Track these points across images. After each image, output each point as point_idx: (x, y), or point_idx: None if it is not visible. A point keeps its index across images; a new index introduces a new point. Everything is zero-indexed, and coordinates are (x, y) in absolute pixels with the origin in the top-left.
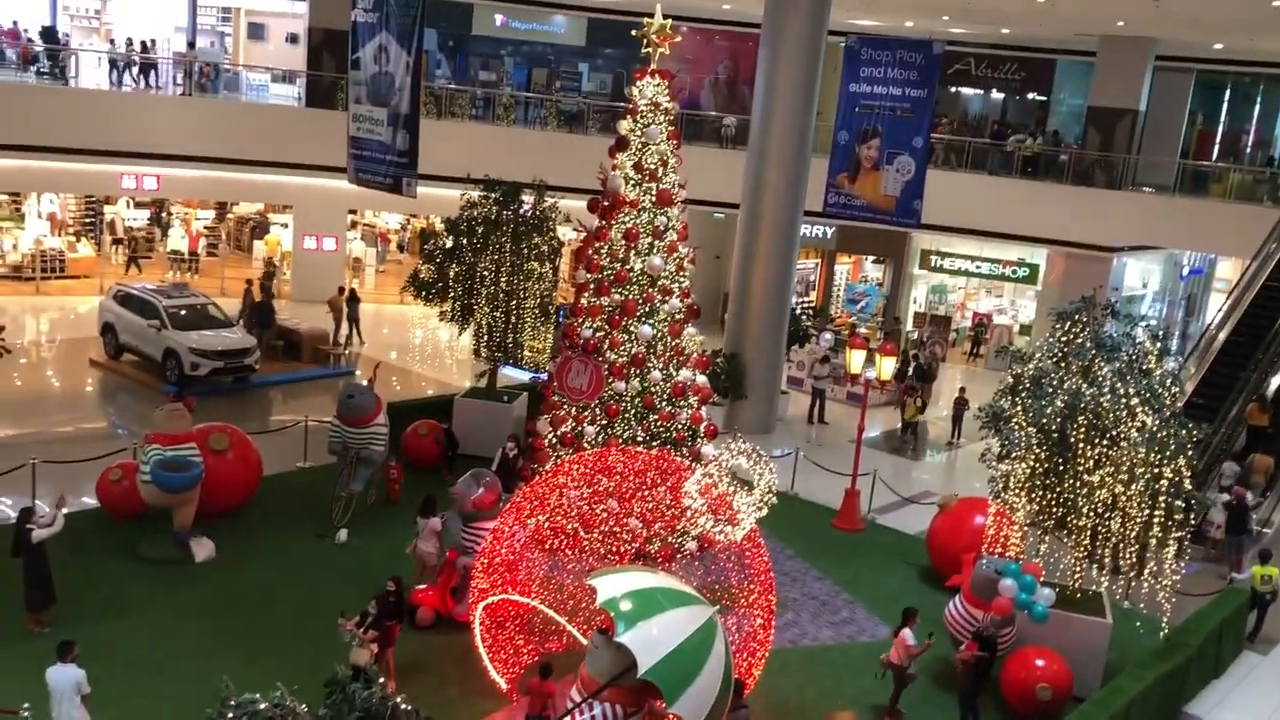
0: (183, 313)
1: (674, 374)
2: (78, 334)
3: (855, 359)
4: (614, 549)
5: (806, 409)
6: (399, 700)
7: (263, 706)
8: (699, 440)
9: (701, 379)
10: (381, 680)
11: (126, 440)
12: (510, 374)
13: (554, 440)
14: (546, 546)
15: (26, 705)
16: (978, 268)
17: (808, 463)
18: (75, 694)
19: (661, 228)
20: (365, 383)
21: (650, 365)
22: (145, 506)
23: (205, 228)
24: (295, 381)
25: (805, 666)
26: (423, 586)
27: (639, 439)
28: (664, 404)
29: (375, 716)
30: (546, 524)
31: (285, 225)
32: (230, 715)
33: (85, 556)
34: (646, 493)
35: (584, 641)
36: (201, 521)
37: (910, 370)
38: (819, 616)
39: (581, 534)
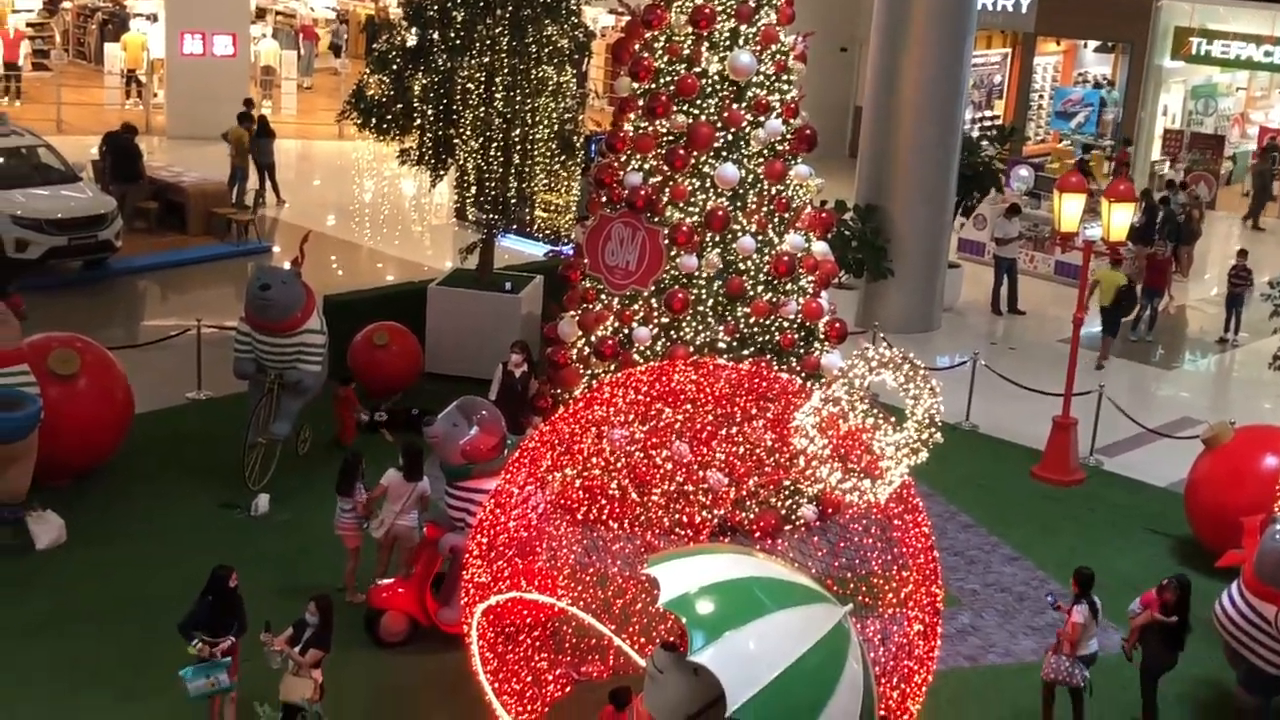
0: (0, 161)
1: (775, 241)
2: None
3: (1067, 209)
4: (684, 518)
5: (989, 292)
6: None
7: None
8: (817, 346)
9: (820, 248)
10: None
11: None
12: (514, 247)
13: (586, 351)
14: (579, 516)
15: None
16: (1268, 55)
17: (991, 377)
18: None
19: (752, 3)
20: (288, 266)
21: (737, 228)
22: None
23: (29, 25)
24: (179, 265)
25: (993, 695)
26: (387, 581)
27: (721, 345)
28: (760, 289)
29: None
30: (578, 482)
31: (152, 18)
32: None
33: None
34: (735, 431)
35: (641, 663)
36: (42, 488)
37: (1158, 225)
38: (1013, 618)
39: (633, 496)
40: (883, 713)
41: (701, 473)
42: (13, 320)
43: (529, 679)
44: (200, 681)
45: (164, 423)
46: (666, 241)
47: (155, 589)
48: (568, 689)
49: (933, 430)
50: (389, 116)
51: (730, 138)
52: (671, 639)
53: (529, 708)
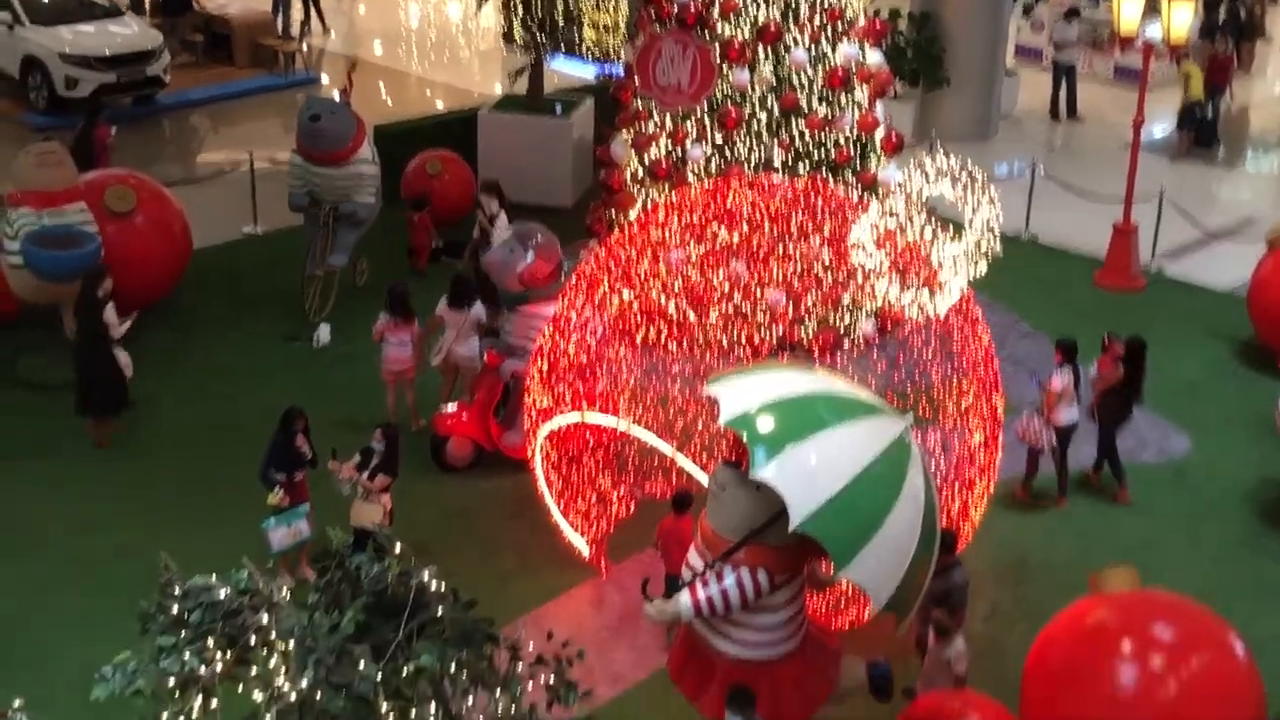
0: None
1: (829, 53)
2: None
3: (1126, 10)
4: (743, 338)
5: (1047, 98)
6: (426, 576)
7: (224, 594)
8: (874, 159)
9: (875, 58)
10: (400, 548)
11: None
12: (563, 70)
13: (639, 172)
14: (637, 340)
15: (18, 702)
16: None
17: (1051, 185)
18: None
19: None
20: (337, 96)
21: (790, 40)
22: (18, 304)
23: None
24: (227, 99)
25: (1053, 500)
26: (452, 408)
27: (776, 162)
28: (814, 103)
29: (392, 602)
30: (635, 305)
31: None
32: (175, 608)
33: None
34: (792, 247)
35: (703, 480)
36: None
37: (1220, 22)
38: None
39: (691, 317)
40: (945, 523)
41: (759, 291)
42: (68, 160)
43: (593, 499)
44: (282, 532)
45: (222, 257)
46: (718, 58)
47: (222, 418)
48: (632, 508)
49: (992, 241)
50: None
51: None
52: (733, 456)
53: (594, 527)
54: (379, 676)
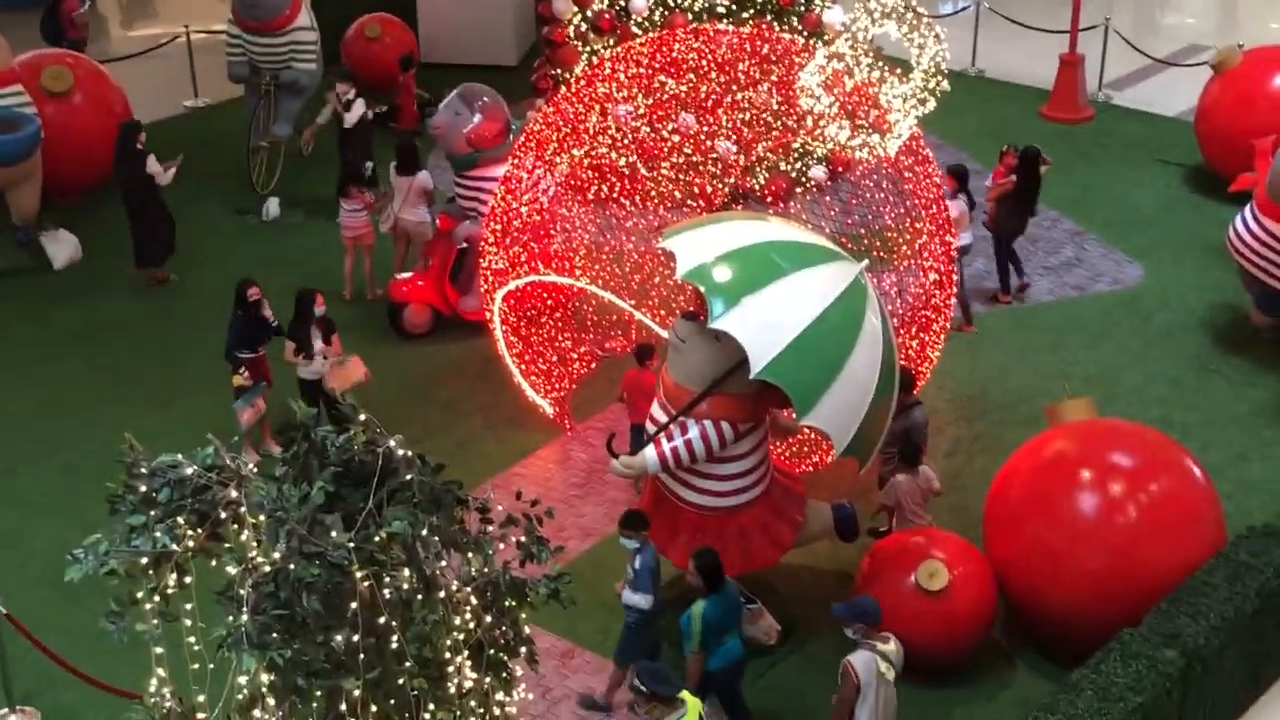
0: None
1: None
2: None
3: None
4: (696, 190)
5: None
6: (392, 443)
7: (189, 471)
8: (818, 3)
9: None
10: (363, 416)
11: None
12: None
13: (583, 25)
14: (589, 196)
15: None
16: None
17: (995, 17)
18: None
19: None
20: None
21: None
22: None
23: None
24: None
25: (1010, 337)
26: (407, 275)
27: (721, 9)
28: None
29: (360, 471)
30: (585, 161)
31: None
32: (144, 487)
33: None
34: (739, 95)
35: (662, 334)
36: (51, 207)
37: None
38: (1029, 259)
39: (642, 171)
40: (903, 363)
41: (711, 141)
42: (2, 41)
43: (554, 359)
44: (247, 411)
45: (165, 133)
46: None
47: (175, 296)
48: (592, 365)
49: (939, 79)
50: None
51: None
52: (691, 309)
53: (557, 385)
54: (351, 544)
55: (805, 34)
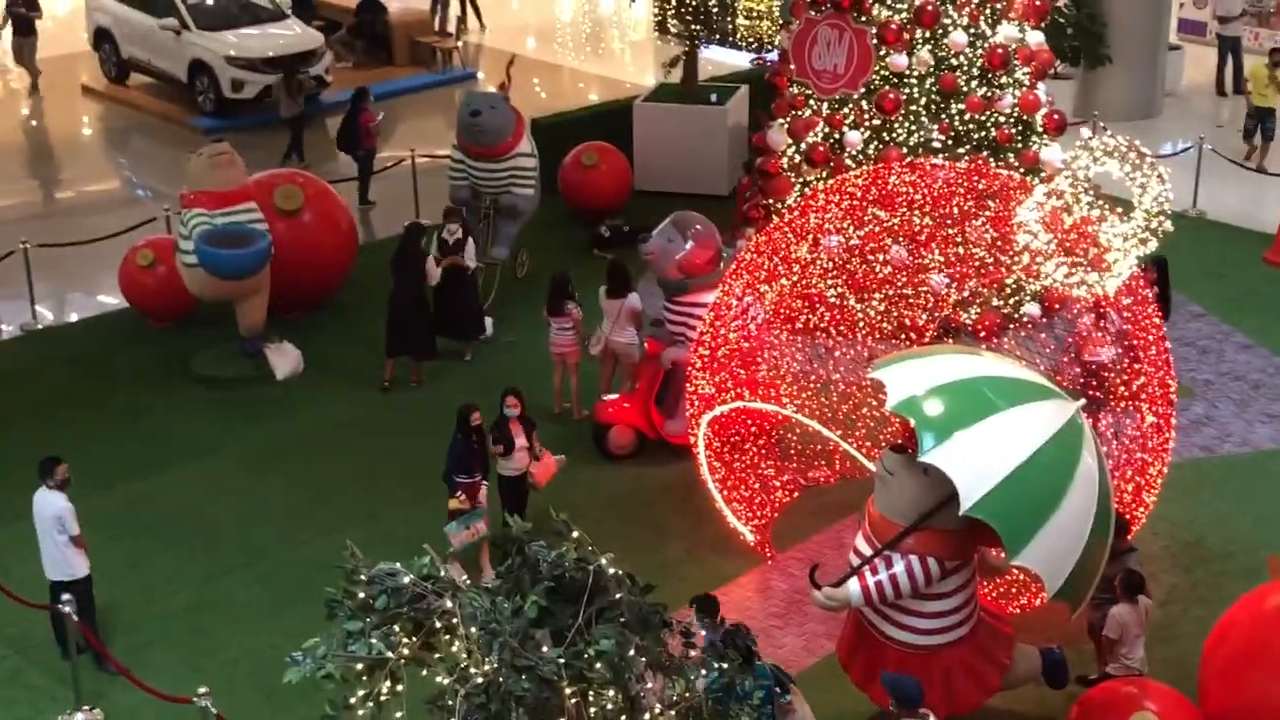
0: (211, 3)
1: (988, 33)
2: (58, 50)
3: None
4: (907, 321)
5: (1213, 72)
6: (603, 561)
7: (407, 580)
8: (1036, 140)
9: (1035, 37)
10: (576, 533)
11: (153, 206)
12: (717, 58)
13: (796, 158)
14: (798, 325)
15: (203, 690)
16: None
17: (1218, 160)
18: (58, 531)
19: None
20: (496, 91)
21: (948, 21)
22: (193, 301)
23: None
24: (388, 97)
25: (1230, 485)
26: (612, 397)
27: (936, 145)
28: (974, 85)
29: (570, 587)
30: (795, 291)
31: None
32: (363, 594)
33: (110, 378)
34: (954, 230)
35: (870, 467)
36: (277, 320)
37: None
38: (1250, 406)
39: (852, 302)
40: (1118, 507)
41: (923, 275)
42: (238, 160)
43: (756, 486)
44: (462, 534)
45: (388, 252)
46: (875, 41)
47: (390, 411)
48: (795, 494)
49: (1161, 219)
50: None
51: None
52: (900, 442)
53: (758, 513)
54: (562, 660)
55: (1022, 170)
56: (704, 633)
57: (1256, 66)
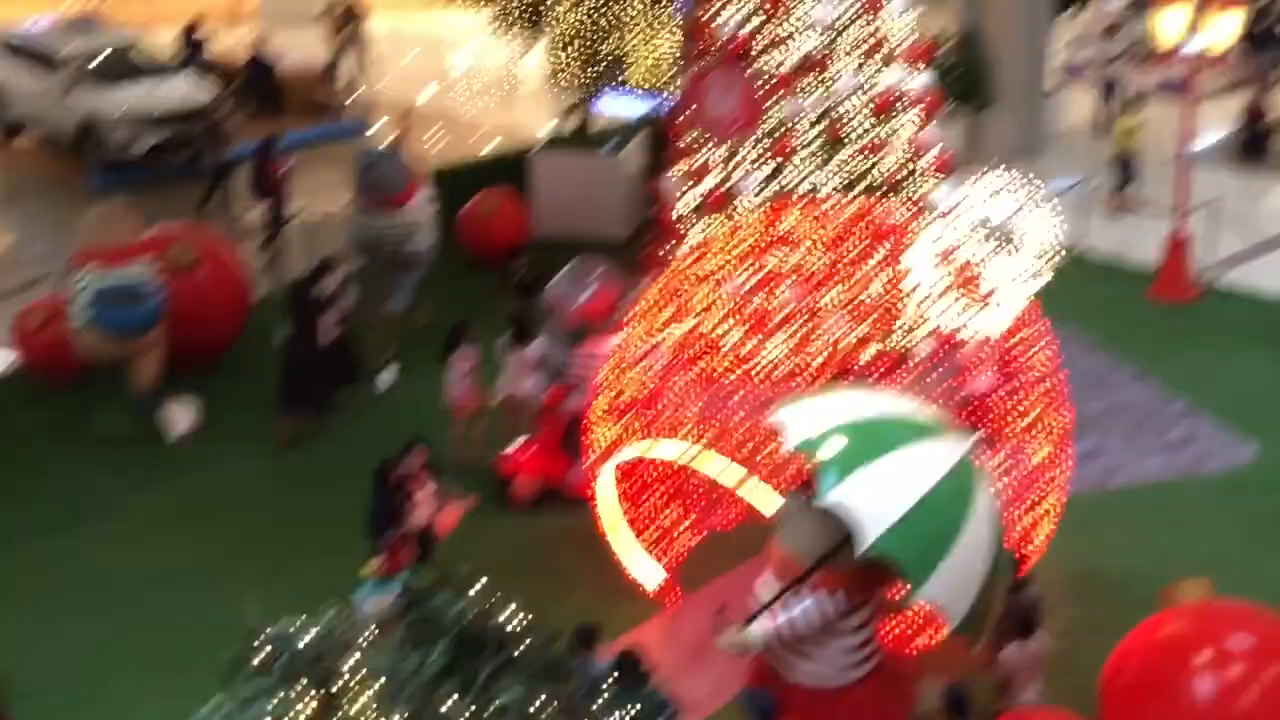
0: (98, 61)
1: (875, 78)
2: None
3: (1167, 22)
4: (804, 363)
5: (1091, 113)
6: (507, 612)
7: (309, 636)
8: (925, 180)
9: (922, 80)
10: (480, 584)
11: (44, 263)
12: (613, 108)
13: (693, 205)
14: (698, 369)
15: None
16: None
17: (1100, 199)
18: None
19: None
20: (391, 143)
21: (836, 67)
22: (87, 361)
23: None
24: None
25: (1123, 517)
26: (515, 448)
27: (828, 188)
28: (864, 128)
29: (475, 639)
30: (695, 335)
31: None
32: (264, 654)
33: (9, 438)
34: (848, 271)
35: (767, 513)
36: (173, 378)
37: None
38: (1138, 438)
39: (750, 345)
40: (1011, 541)
41: (818, 317)
42: (131, 217)
43: (659, 532)
44: (371, 602)
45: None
46: (764, 87)
47: (290, 468)
48: (699, 538)
49: (1049, 256)
50: None
51: None
52: (802, 482)
53: (662, 559)
54: (467, 714)
55: (915, 212)
56: (581, 661)
57: (1124, 118)
